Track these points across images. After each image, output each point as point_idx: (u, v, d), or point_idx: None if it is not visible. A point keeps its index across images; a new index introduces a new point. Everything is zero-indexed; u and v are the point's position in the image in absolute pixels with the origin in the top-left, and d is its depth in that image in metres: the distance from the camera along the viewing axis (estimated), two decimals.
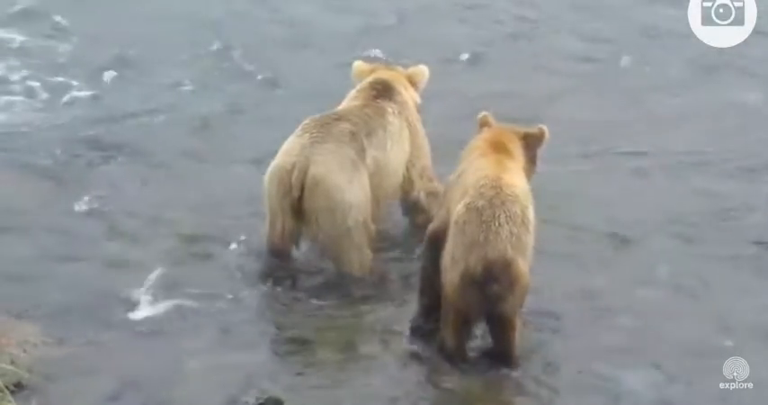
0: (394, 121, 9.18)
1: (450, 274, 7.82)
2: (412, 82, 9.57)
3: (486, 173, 7.98)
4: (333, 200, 8.73)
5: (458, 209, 7.86)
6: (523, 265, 7.77)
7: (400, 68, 9.70)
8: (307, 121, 9.01)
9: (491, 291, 7.70)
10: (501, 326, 7.92)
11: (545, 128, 8.58)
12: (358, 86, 9.44)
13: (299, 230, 8.91)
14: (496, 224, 7.73)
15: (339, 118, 9.00)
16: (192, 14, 13.89)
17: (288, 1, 14.32)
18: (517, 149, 8.40)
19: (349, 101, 9.34)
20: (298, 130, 8.96)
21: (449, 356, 8.06)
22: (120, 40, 13.13)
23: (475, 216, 7.77)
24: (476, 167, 8.11)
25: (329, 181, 8.72)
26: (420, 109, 9.56)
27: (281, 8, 14.12)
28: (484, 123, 8.57)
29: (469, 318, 7.93)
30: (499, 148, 8.29)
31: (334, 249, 8.89)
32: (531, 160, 8.51)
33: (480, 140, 8.41)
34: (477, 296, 7.75)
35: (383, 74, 9.50)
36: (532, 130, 8.57)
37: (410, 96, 9.45)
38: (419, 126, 9.43)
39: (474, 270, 7.69)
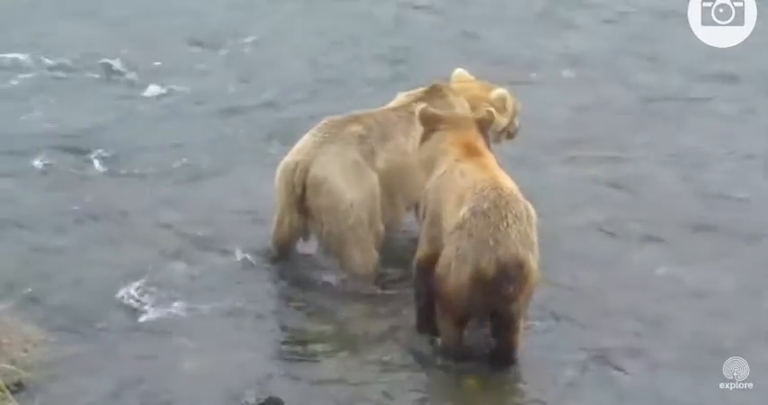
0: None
1: (456, 276, 7.76)
2: (492, 103, 9.31)
3: (479, 177, 7.94)
4: (333, 200, 8.76)
5: (461, 214, 7.80)
6: (534, 262, 7.77)
7: (496, 88, 9.51)
8: (324, 121, 9.05)
9: (506, 292, 7.70)
10: (506, 325, 7.92)
11: (493, 110, 8.56)
12: (413, 90, 9.39)
13: (305, 226, 8.96)
14: (505, 225, 7.72)
15: (354, 120, 9.00)
16: (192, 14, 13.92)
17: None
18: (483, 145, 8.35)
19: (394, 102, 9.34)
20: (313, 129, 9.02)
21: (447, 353, 8.06)
22: (121, 39, 13.17)
23: (482, 219, 7.74)
24: (459, 173, 8.06)
25: (329, 181, 8.75)
26: (507, 134, 9.55)
27: (292, 12, 14.19)
28: (429, 117, 8.43)
29: (471, 317, 7.93)
30: (473, 150, 8.22)
31: (338, 247, 8.91)
32: (487, 143, 8.47)
33: (450, 145, 8.27)
34: (486, 297, 7.74)
35: (465, 86, 9.41)
36: (481, 114, 8.53)
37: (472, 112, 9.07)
38: None
39: (486, 272, 7.67)
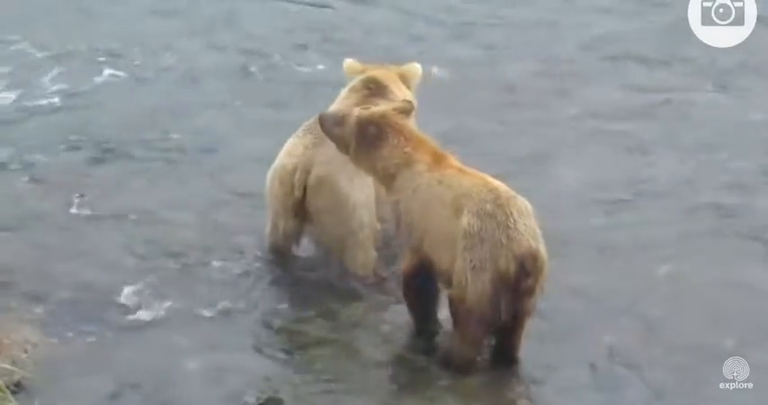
0: None
1: (476, 285, 7.71)
2: (404, 80, 9.45)
3: (466, 182, 7.90)
4: (336, 201, 8.74)
5: (464, 222, 7.77)
6: (545, 253, 7.78)
7: (392, 67, 9.58)
8: (308, 122, 9.01)
9: (525, 286, 7.69)
10: (518, 324, 7.90)
11: (413, 101, 8.49)
12: (350, 85, 9.34)
13: (302, 230, 8.94)
14: (512, 221, 7.72)
15: None
16: (186, 12, 13.89)
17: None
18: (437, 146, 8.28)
19: (342, 100, 9.28)
20: (299, 131, 8.97)
21: (464, 369, 8.02)
22: (117, 38, 13.15)
23: (489, 221, 7.73)
24: (438, 183, 7.98)
25: (332, 182, 8.72)
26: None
27: (281, 6, 14.17)
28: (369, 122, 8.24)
29: (493, 325, 7.87)
30: (439, 155, 8.14)
31: (338, 249, 8.90)
32: None
33: (415, 153, 8.13)
34: (510, 297, 7.73)
35: (375, 72, 9.38)
36: (400, 104, 8.42)
37: (403, 95, 9.26)
38: (414, 125, 9.37)
39: (507, 271, 7.66)
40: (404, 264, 8.26)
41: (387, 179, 8.21)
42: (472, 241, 7.74)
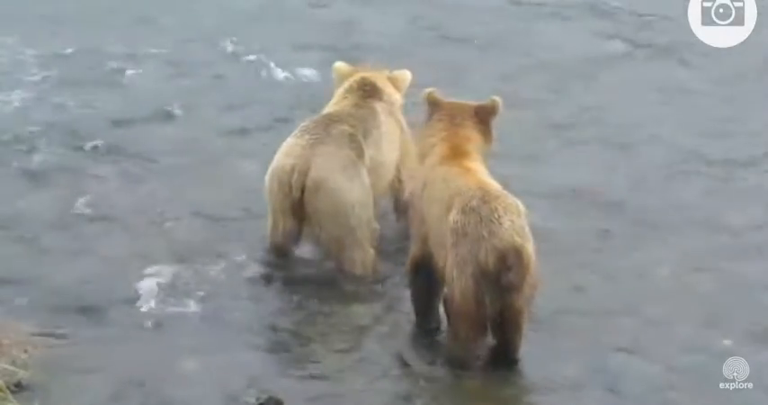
0: (386, 120, 9.21)
1: (461, 281, 7.73)
2: (394, 84, 9.52)
3: (462, 181, 7.95)
4: (334, 202, 8.75)
5: (451, 217, 7.80)
6: (531, 250, 7.74)
7: (385, 71, 9.62)
8: (305, 123, 9.04)
9: (506, 280, 7.64)
10: (510, 323, 7.87)
11: (498, 99, 8.45)
12: (345, 86, 9.40)
13: (301, 230, 8.95)
14: (497, 216, 7.72)
15: (337, 120, 9.02)
16: (182, 9, 13.90)
17: None
18: (474, 145, 8.30)
19: (338, 101, 9.33)
20: (296, 132, 8.99)
21: (459, 368, 8.01)
22: (116, 38, 13.15)
23: (473, 216, 7.75)
24: (442, 179, 8.06)
25: (330, 183, 8.74)
26: (403, 111, 9.55)
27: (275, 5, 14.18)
28: (433, 102, 8.47)
29: (484, 324, 7.86)
30: (458, 152, 8.20)
31: (337, 249, 8.91)
32: (485, 133, 8.40)
33: (440, 142, 8.28)
34: (493, 293, 7.70)
35: (368, 74, 9.46)
36: (484, 102, 8.45)
37: (396, 97, 9.41)
38: (406, 127, 9.43)
39: (487, 265, 7.64)
40: (412, 251, 8.31)
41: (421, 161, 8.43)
42: (457, 237, 7.76)
